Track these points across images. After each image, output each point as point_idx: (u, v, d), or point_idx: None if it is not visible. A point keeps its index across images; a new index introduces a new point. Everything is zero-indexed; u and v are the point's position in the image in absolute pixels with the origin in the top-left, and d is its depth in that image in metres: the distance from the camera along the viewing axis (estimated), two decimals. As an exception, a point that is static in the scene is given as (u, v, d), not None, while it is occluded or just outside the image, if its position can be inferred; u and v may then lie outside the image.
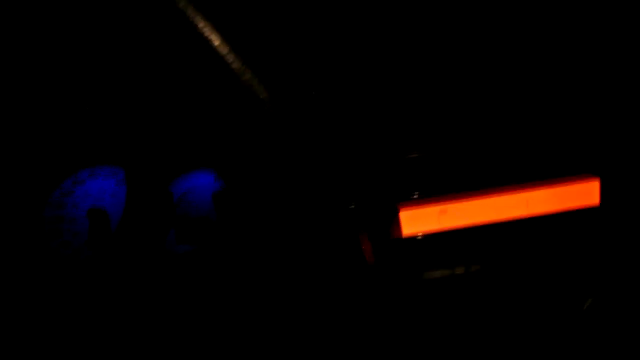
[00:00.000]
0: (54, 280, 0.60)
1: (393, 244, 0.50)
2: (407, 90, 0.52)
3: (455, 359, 0.50)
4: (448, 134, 0.52)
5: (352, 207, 0.49)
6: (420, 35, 0.52)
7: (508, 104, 0.53)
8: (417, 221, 0.51)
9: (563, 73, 0.53)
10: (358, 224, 0.48)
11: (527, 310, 0.51)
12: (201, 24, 0.38)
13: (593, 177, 0.52)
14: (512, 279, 0.51)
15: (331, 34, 0.52)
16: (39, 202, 0.62)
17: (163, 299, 0.57)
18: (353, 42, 0.52)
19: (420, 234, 0.51)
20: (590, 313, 0.50)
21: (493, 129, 0.53)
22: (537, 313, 0.51)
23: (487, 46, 0.53)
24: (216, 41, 0.38)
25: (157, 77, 0.49)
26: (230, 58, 0.38)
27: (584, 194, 0.52)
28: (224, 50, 0.38)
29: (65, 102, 0.59)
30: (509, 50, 0.53)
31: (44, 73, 0.55)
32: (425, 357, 0.49)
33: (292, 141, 0.43)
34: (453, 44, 0.53)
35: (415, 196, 0.52)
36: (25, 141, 0.60)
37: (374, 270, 0.44)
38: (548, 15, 0.53)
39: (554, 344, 0.50)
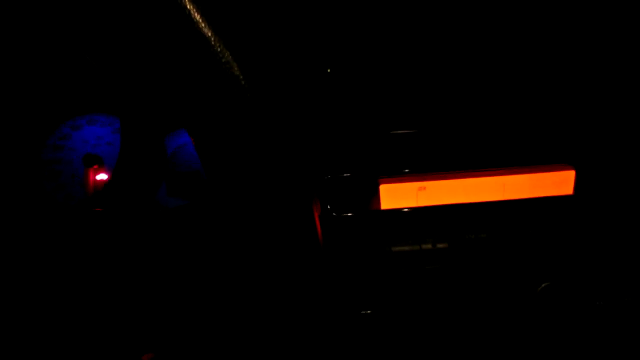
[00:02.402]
0: (49, 223, 0.63)
1: (370, 216, 0.52)
2: (396, 70, 0.53)
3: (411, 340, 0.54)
4: (434, 114, 0.54)
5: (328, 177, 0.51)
6: (408, 14, 0.53)
7: (495, 90, 0.54)
8: (396, 196, 0.53)
9: (554, 68, 0.54)
10: (316, 194, 0.49)
11: (487, 290, 0.54)
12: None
13: (569, 167, 0.54)
14: (478, 259, 0.54)
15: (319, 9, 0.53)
16: (37, 145, 0.64)
17: (153, 250, 0.59)
18: (342, 16, 0.53)
19: (398, 208, 0.53)
20: (544, 296, 0.53)
21: (478, 112, 0.54)
22: (496, 293, 0.54)
23: (473, 32, 0.53)
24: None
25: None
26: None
27: (559, 182, 0.54)
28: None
29: (65, 50, 0.60)
30: (494, 37, 0.54)
31: (46, 22, 0.56)
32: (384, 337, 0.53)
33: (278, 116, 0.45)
34: (441, 27, 0.53)
35: (397, 171, 0.54)
36: (26, 86, 0.62)
37: (325, 249, 0.46)
38: (524, 8, 0.53)
39: (511, 326, 0.54)
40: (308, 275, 0.45)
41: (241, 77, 0.39)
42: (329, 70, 0.52)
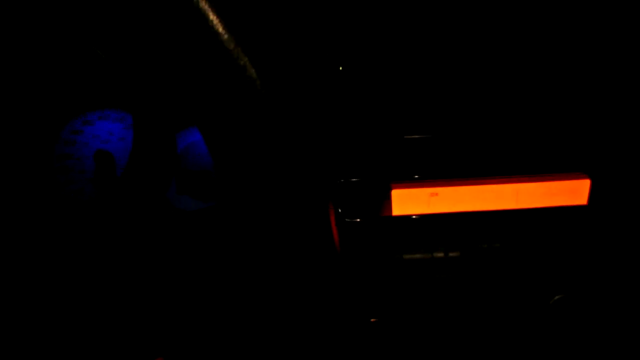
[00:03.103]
0: (61, 217, 0.63)
1: (382, 222, 0.52)
2: (410, 74, 0.53)
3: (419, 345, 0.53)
4: (448, 119, 0.53)
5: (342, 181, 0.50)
6: (425, 17, 0.52)
7: (510, 97, 0.53)
8: (408, 202, 0.52)
9: (571, 75, 0.53)
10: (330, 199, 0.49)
11: (499, 301, 0.54)
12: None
13: (584, 176, 0.53)
14: (491, 269, 0.53)
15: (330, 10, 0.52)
16: (50, 140, 0.64)
17: (165, 250, 0.59)
18: (357, 19, 0.52)
19: (409, 214, 0.53)
20: (558, 309, 0.52)
21: (493, 119, 0.53)
22: (508, 305, 0.54)
23: (487, 38, 0.53)
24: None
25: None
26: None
27: (573, 192, 0.54)
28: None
29: (79, 46, 0.60)
30: (511, 44, 0.53)
31: (64, 17, 0.55)
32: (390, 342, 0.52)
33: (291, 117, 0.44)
34: (455, 35, 0.53)
35: (410, 177, 0.53)
36: (39, 81, 0.62)
37: (341, 256, 0.46)
38: (546, 13, 0.52)
39: (523, 338, 0.54)
40: (324, 279, 0.44)
41: (257, 79, 0.39)
42: (340, 68, 0.52)
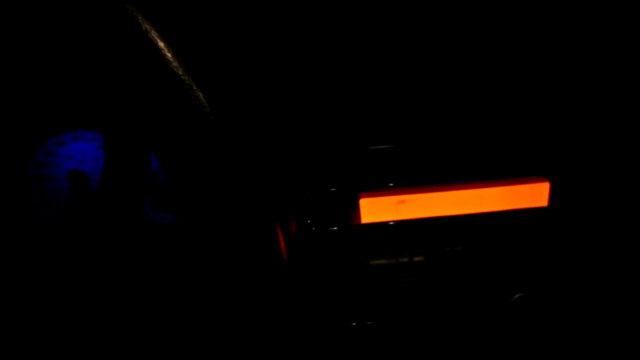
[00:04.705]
0: (35, 237, 0.63)
1: (350, 231, 0.53)
2: (373, 86, 0.55)
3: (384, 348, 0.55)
4: (411, 129, 0.55)
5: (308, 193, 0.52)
6: (381, 28, 0.54)
7: (470, 105, 0.55)
8: (376, 210, 0.54)
9: (526, 82, 0.55)
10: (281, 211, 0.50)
11: (462, 301, 0.56)
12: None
13: (544, 179, 0.56)
14: (454, 271, 0.55)
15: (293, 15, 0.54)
16: (23, 161, 0.64)
17: (137, 262, 0.60)
18: (321, 21, 0.54)
19: (378, 222, 0.54)
20: (518, 306, 0.55)
21: (454, 127, 0.55)
22: (471, 305, 0.56)
23: (446, 47, 0.55)
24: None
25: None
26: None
27: (534, 194, 0.56)
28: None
29: (50, 66, 0.60)
30: (467, 52, 0.55)
31: (34, 38, 0.56)
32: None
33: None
34: (413, 43, 0.55)
35: (377, 185, 0.55)
36: (12, 101, 0.62)
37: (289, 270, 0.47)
38: (497, 17, 0.55)
39: (486, 336, 0.55)
40: (274, 293, 0.45)
41: (207, 105, 0.40)
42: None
